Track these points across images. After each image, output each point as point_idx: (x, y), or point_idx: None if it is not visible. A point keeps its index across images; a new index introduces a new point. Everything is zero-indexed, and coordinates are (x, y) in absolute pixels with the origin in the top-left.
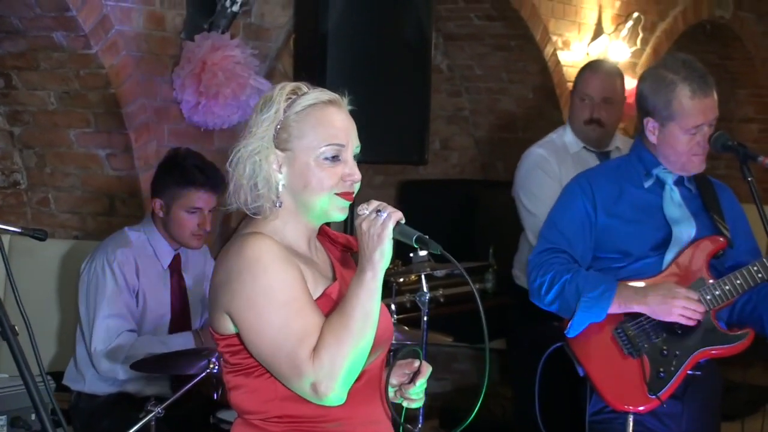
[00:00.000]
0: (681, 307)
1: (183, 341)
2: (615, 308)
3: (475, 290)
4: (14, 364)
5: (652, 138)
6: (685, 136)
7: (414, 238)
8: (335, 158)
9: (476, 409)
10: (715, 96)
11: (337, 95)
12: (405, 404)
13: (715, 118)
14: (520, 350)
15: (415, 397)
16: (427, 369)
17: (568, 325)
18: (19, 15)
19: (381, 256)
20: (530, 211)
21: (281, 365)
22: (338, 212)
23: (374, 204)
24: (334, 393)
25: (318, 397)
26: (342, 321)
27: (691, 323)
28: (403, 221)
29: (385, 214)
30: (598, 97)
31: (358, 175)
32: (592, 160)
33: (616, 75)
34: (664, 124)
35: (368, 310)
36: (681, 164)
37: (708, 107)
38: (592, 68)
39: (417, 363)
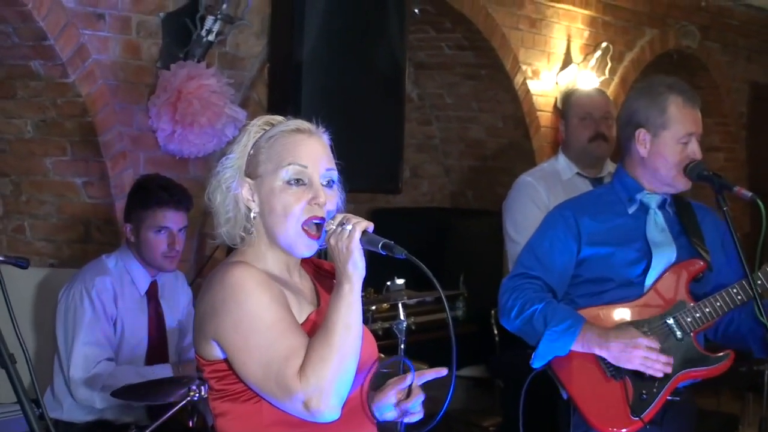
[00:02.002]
0: (641, 357)
1: (161, 373)
2: (578, 347)
3: (444, 297)
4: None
5: (643, 151)
6: (677, 145)
7: (380, 245)
8: (299, 182)
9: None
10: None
11: (309, 124)
12: (405, 420)
13: (700, 134)
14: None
15: (414, 410)
16: (420, 380)
17: (533, 355)
18: None
19: (354, 268)
20: (513, 238)
21: (271, 386)
22: (304, 248)
23: (339, 218)
24: (327, 408)
25: (311, 415)
26: (324, 336)
27: (652, 373)
28: (371, 229)
29: (349, 226)
30: (599, 114)
31: (323, 198)
32: (585, 187)
33: (605, 94)
34: (656, 134)
35: (349, 322)
36: (671, 178)
37: (697, 118)
38: (583, 91)
39: (409, 378)
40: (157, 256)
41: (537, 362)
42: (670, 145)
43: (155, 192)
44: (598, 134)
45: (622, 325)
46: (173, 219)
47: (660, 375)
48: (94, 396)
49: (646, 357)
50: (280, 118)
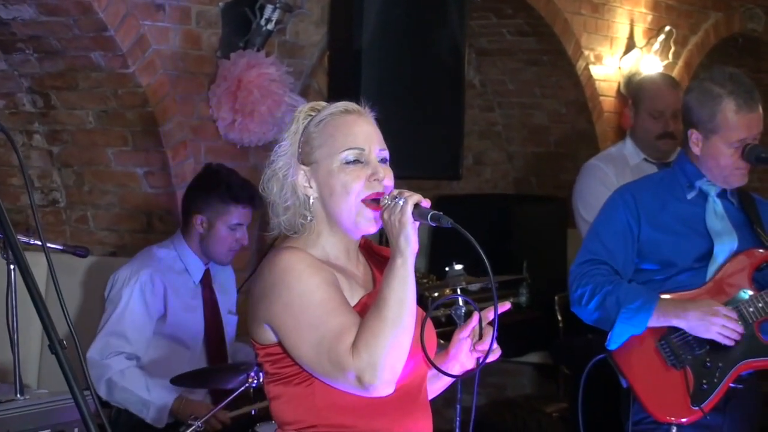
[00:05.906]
0: (719, 326)
1: (165, 396)
2: (654, 321)
3: (486, 260)
4: (54, 380)
5: (696, 150)
6: (728, 149)
7: (429, 216)
8: (357, 162)
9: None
10: (761, 111)
11: (356, 105)
12: (486, 360)
13: (759, 132)
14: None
15: (491, 349)
16: (488, 314)
17: (608, 336)
18: (58, 35)
19: (406, 242)
20: (586, 219)
21: (323, 364)
22: (367, 223)
23: (394, 192)
24: (380, 382)
25: (366, 390)
26: (377, 310)
27: (728, 342)
28: (424, 203)
29: (402, 200)
30: (670, 112)
31: (382, 174)
32: (652, 172)
33: (679, 88)
34: (707, 136)
35: (401, 296)
36: (723, 177)
37: (752, 122)
38: (658, 83)
39: (475, 319)
40: (224, 250)
41: (613, 344)
42: (721, 149)
43: (236, 189)
44: (667, 133)
45: (701, 293)
46: (247, 217)
47: (732, 344)
48: (100, 383)
49: (724, 326)
50: (324, 103)
